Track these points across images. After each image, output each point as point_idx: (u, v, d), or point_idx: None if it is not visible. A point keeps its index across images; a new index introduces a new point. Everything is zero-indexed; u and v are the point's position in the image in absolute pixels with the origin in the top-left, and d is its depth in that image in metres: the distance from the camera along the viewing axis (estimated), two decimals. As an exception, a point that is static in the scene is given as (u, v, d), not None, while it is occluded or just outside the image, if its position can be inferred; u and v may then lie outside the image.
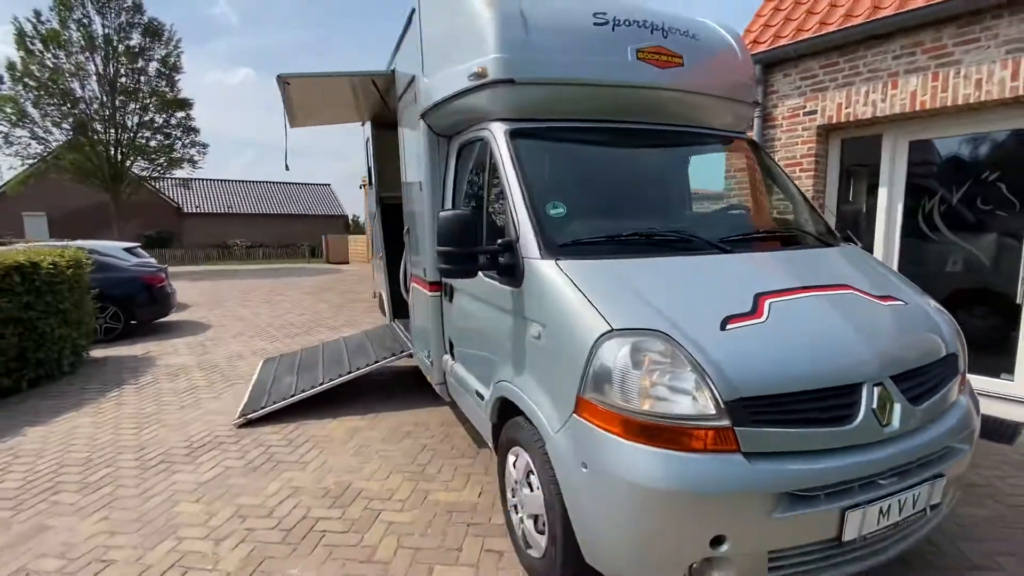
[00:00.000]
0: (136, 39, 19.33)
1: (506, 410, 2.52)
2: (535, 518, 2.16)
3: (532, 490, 2.16)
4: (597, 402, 1.75)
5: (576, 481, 1.82)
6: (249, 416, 4.09)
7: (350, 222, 39.76)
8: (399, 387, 4.93)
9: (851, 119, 4.64)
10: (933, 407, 1.92)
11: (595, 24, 2.68)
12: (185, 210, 30.47)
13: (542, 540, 2.11)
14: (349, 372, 4.38)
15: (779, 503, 1.62)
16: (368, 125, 6.15)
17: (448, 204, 3.27)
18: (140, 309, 7.82)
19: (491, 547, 2.51)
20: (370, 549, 2.51)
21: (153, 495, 3.05)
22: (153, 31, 19.39)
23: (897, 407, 1.80)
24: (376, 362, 4.44)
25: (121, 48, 18.80)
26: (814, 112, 4.87)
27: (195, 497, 3.02)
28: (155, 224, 27.63)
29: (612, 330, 1.76)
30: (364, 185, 18.98)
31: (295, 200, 34.77)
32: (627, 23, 2.74)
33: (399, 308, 5.70)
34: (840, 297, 2.08)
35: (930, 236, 4.46)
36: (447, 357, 3.46)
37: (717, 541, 1.60)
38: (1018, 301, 3.91)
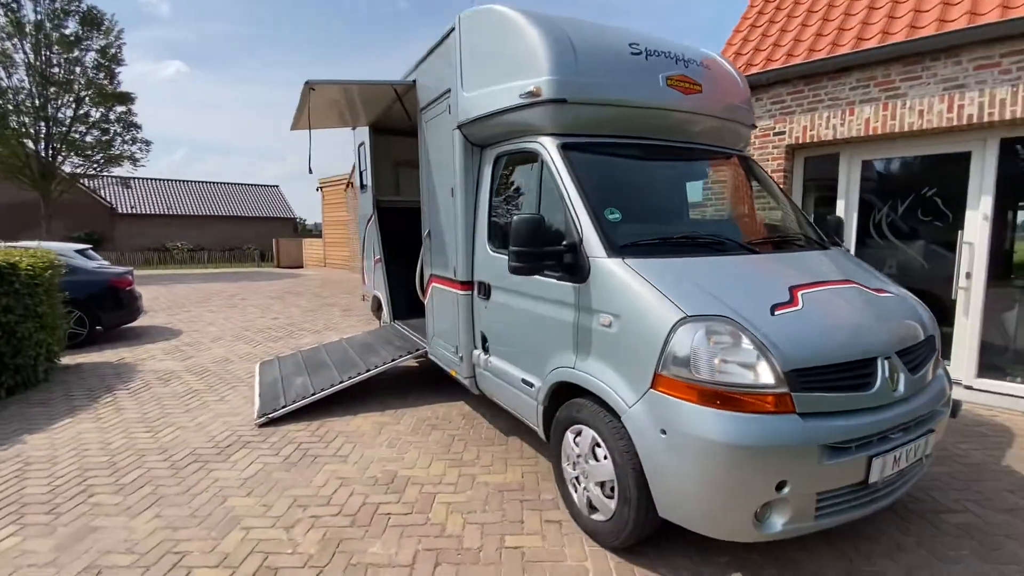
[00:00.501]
0: (72, 27, 18.02)
1: (560, 394, 2.82)
2: (602, 484, 2.46)
3: (599, 460, 2.47)
4: (675, 377, 2.09)
5: (655, 445, 2.14)
6: (271, 415, 4.13)
7: (299, 225, 38.54)
8: (409, 385, 5.08)
9: (814, 140, 5.30)
10: (924, 377, 2.40)
11: (631, 53, 3.06)
12: (120, 211, 28.45)
13: (611, 503, 2.42)
14: (368, 370, 4.50)
15: (824, 453, 2.01)
16: (365, 131, 6.26)
17: (483, 208, 3.53)
18: (107, 314, 7.43)
19: (549, 518, 2.78)
20: (439, 526, 2.71)
21: (199, 492, 3.08)
22: (92, 20, 18.15)
23: (902, 376, 2.26)
24: (392, 360, 4.59)
25: (55, 36, 17.45)
26: (783, 133, 5.51)
27: (245, 492, 3.09)
28: (85, 225, 25.62)
29: (686, 316, 2.10)
30: (348, 187, 18.62)
31: (241, 202, 33.30)
32: (656, 54, 3.14)
33: (399, 309, 5.86)
34: (848, 290, 2.54)
35: (879, 242, 5.17)
36: (478, 352, 3.70)
37: (780, 486, 1.97)
38: (953, 298, 4.63)
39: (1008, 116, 4.18)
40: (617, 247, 2.47)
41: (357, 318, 9.14)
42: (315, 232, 45.17)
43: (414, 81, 4.38)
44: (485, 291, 3.53)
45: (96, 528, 2.73)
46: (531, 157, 3.08)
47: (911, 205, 4.99)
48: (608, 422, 2.40)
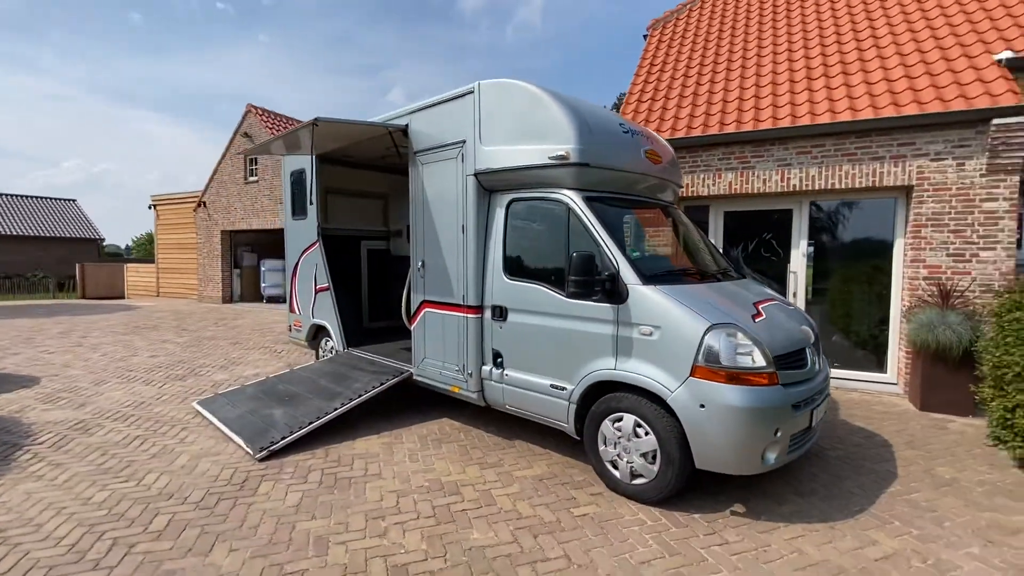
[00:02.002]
0: None
1: (590, 394, 3.58)
2: (646, 455, 3.28)
3: (642, 437, 3.28)
4: (708, 366, 3.03)
5: (696, 415, 3.05)
6: (272, 448, 4.04)
7: (101, 247, 32.19)
8: (379, 409, 5.25)
9: (693, 195, 7.00)
10: (821, 361, 3.76)
11: (623, 131, 4.08)
12: None
13: (654, 467, 3.24)
14: (360, 396, 4.64)
15: (795, 409, 3.14)
16: (306, 158, 6.27)
17: (496, 244, 4.17)
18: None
19: (592, 492, 3.48)
20: (513, 512, 3.22)
21: (256, 524, 3.07)
22: None
23: (815, 359, 3.55)
24: (382, 384, 4.80)
25: None
26: (671, 187, 7.14)
27: (307, 516, 3.16)
28: None
29: (712, 324, 3.08)
30: (200, 207, 16.46)
31: (24, 218, 26.68)
32: (635, 133, 4.21)
33: (351, 337, 5.99)
34: (776, 304, 3.82)
35: (738, 272, 7.03)
36: (488, 367, 4.25)
37: (775, 432, 3.02)
38: (787, 311, 6.58)
39: (815, 187, 6.26)
40: (647, 276, 3.38)
41: (261, 351, 8.55)
42: (128, 256, 38.10)
43: (407, 125, 4.81)
44: (500, 314, 4.13)
45: (175, 572, 2.62)
46: (554, 206, 3.85)
47: (757, 245, 6.93)
48: (650, 406, 3.24)
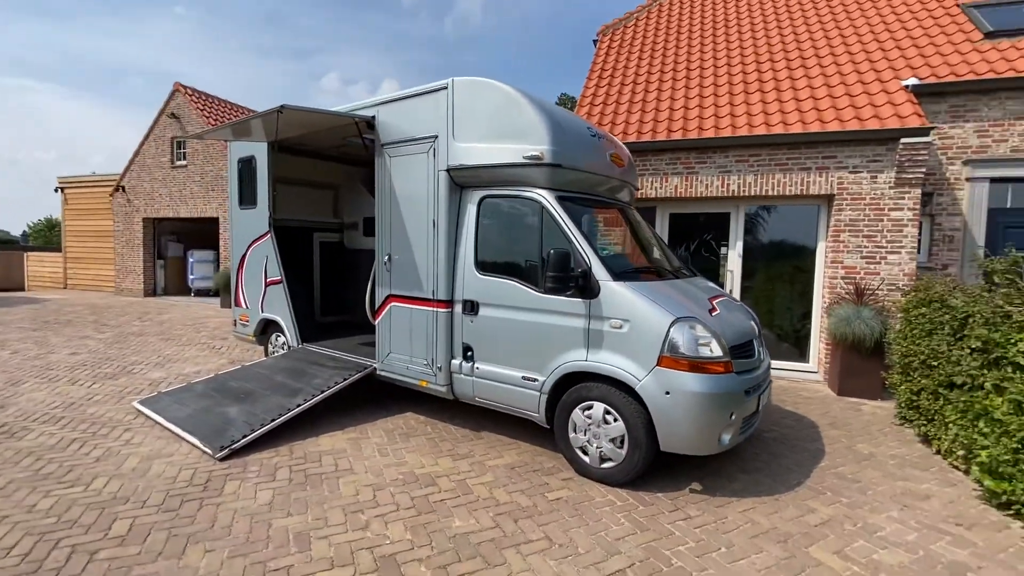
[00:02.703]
0: None
1: (560, 385, 3.76)
2: (614, 440, 3.50)
3: (611, 423, 3.50)
4: (673, 356, 3.29)
5: (662, 401, 3.30)
6: (233, 447, 3.89)
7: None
8: (345, 403, 5.16)
9: (641, 196, 7.39)
10: (764, 352, 4.15)
11: (590, 135, 4.28)
12: None
13: (622, 451, 3.47)
14: (323, 391, 4.55)
15: (746, 394, 3.47)
16: (255, 145, 6.01)
17: (468, 240, 4.24)
18: None
19: (563, 477, 3.66)
20: (491, 499, 3.33)
21: (228, 523, 2.98)
22: None
23: (760, 350, 3.93)
24: (345, 380, 4.73)
25: None
26: (622, 188, 7.49)
27: (283, 513, 3.11)
28: None
29: (676, 319, 3.34)
30: (118, 192, 15.07)
31: None
32: (600, 136, 4.43)
33: (306, 332, 5.84)
34: (726, 300, 4.17)
35: (682, 270, 7.51)
36: (458, 361, 4.33)
37: (731, 415, 3.34)
38: (726, 306, 7.12)
39: (751, 193, 6.81)
40: (615, 273, 3.59)
41: (198, 348, 8.05)
42: (24, 244, 34.31)
43: (373, 117, 4.74)
44: (472, 308, 4.21)
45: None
46: (527, 204, 3.98)
47: (699, 245, 7.44)
48: (619, 395, 3.47)
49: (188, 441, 4.10)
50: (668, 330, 3.32)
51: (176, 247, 15.78)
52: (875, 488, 3.62)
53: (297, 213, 6.69)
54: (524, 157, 3.87)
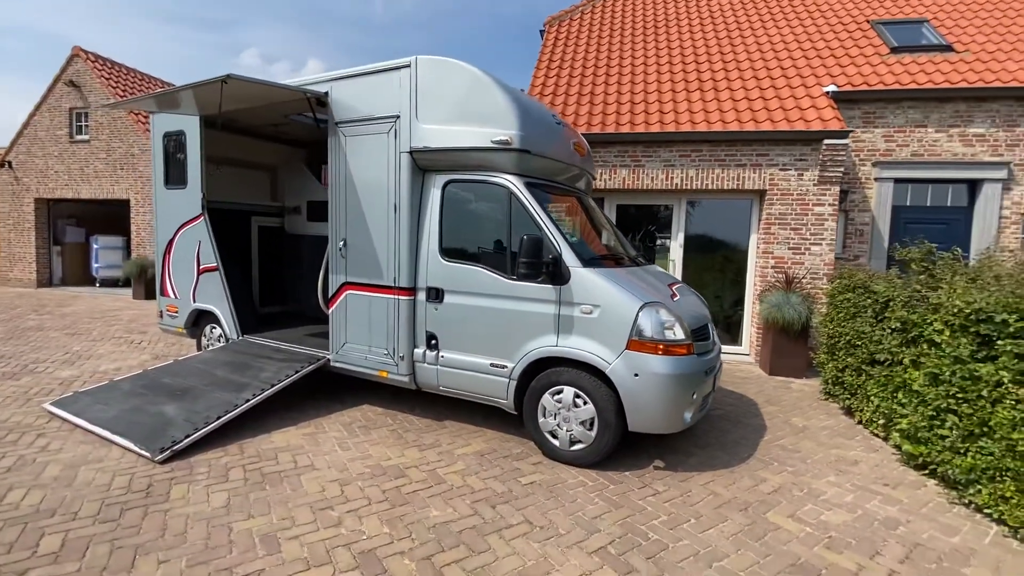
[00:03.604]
0: None
1: (530, 370, 3.78)
2: (584, 423, 3.57)
3: (581, 406, 3.57)
4: (641, 340, 3.41)
5: (631, 384, 3.41)
6: (175, 448, 3.55)
7: None
8: (292, 397, 4.87)
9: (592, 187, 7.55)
10: (715, 335, 4.41)
11: (555, 123, 4.30)
12: None
13: (592, 433, 3.55)
14: (273, 386, 4.28)
15: (706, 374, 3.67)
16: (184, 119, 5.48)
17: (432, 226, 4.14)
18: None
19: (533, 462, 3.69)
20: (465, 487, 3.29)
21: (181, 531, 2.72)
22: None
23: (714, 333, 4.17)
24: (297, 373, 4.48)
25: None
26: (572, 179, 7.61)
27: (243, 515, 2.89)
28: None
29: (644, 304, 3.46)
30: (4, 167, 13.11)
31: None
32: (563, 125, 4.47)
33: (247, 323, 5.47)
34: (682, 287, 4.38)
35: (628, 259, 7.78)
36: (421, 350, 4.22)
37: (694, 394, 3.52)
38: (669, 294, 7.47)
39: (693, 186, 7.18)
40: (584, 260, 3.65)
41: (112, 343, 7.27)
42: None
43: (326, 93, 4.46)
44: (436, 296, 4.12)
45: (72, 599, 2.24)
46: (494, 189, 3.93)
47: (644, 234, 7.74)
48: (589, 378, 3.54)
49: (119, 444, 3.70)
50: (637, 315, 3.42)
51: (76, 232, 14.09)
52: (813, 457, 3.97)
53: (233, 195, 6.19)
54: (492, 141, 3.82)
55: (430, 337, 4.19)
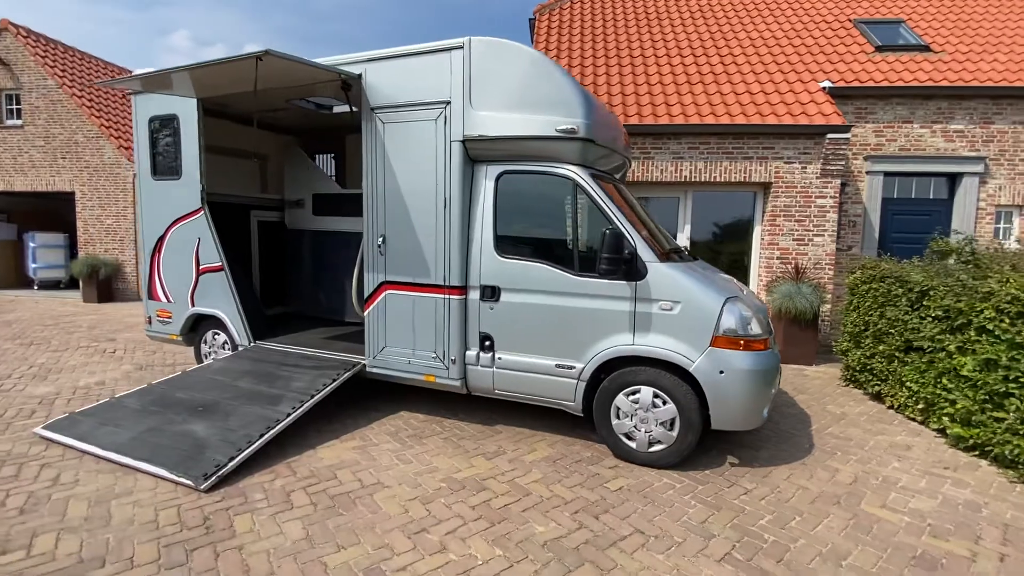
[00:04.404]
0: None
1: (601, 370, 3.63)
2: (665, 423, 3.46)
3: (661, 406, 3.45)
4: (725, 336, 3.32)
5: (716, 381, 3.32)
6: (220, 473, 3.15)
7: None
8: (323, 406, 4.49)
9: (599, 179, 7.45)
10: None
11: (608, 110, 4.12)
12: None
13: (673, 433, 3.45)
14: (312, 396, 3.91)
15: (778, 369, 3.64)
16: (178, 102, 4.91)
17: (486, 220, 3.89)
18: None
19: (607, 466, 3.55)
20: (555, 498, 3.09)
21: (270, 573, 2.39)
22: None
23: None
24: (334, 381, 4.12)
25: None
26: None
27: (332, 548, 2.58)
28: None
29: (727, 298, 3.37)
30: None
31: None
32: (612, 113, 4.30)
33: (258, 327, 5.03)
34: (734, 281, 4.35)
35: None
36: (474, 352, 3.98)
37: (771, 389, 3.48)
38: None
39: (701, 179, 7.22)
40: (659, 255, 3.52)
41: (81, 353, 6.50)
42: None
43: (359, 75, 4.08)
44: (492, 295, 3.88)
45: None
46: (557, 181, 3.73)
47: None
48: (669, 377, 3.43)
49: (147, 472, 3.24)
50: (721, 310, 3.34)
51: (7, 229, 12.57)
52: (867, 444, 4.06)
53: (230, 187, 5.64)
54: (557, 130, 3.60)
55: (484, 338, 3.95)
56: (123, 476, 3.24)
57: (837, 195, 7.07)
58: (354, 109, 4.25)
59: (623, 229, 3.49)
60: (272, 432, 3.53)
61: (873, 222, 7.83)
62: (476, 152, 3.87)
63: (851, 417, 4.67)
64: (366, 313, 4.33)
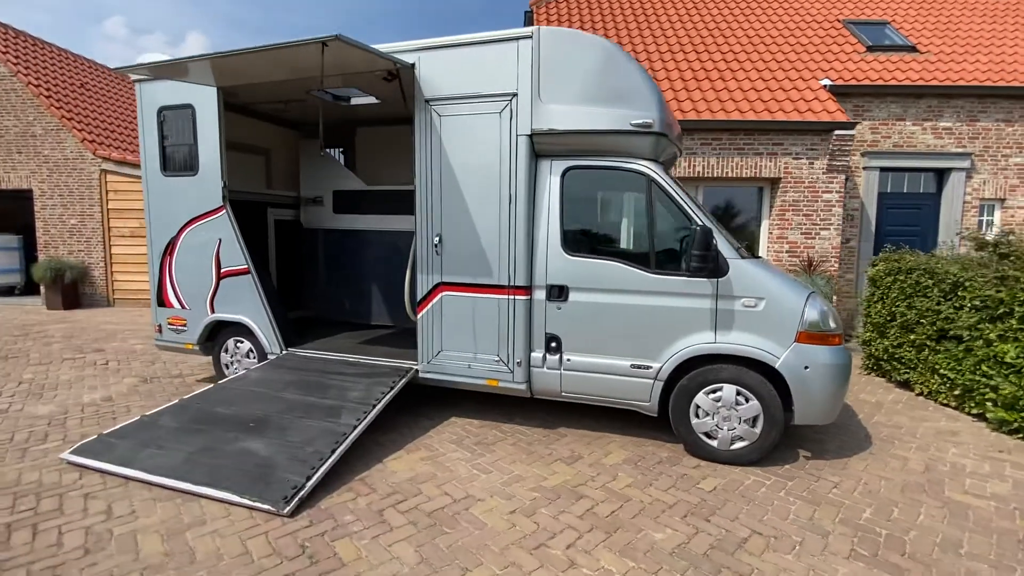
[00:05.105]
0: None
1: (680, 369, 3.58)
2: (748, 420, 3.44)
3: (745, 403, 3.44)
4: (808, 331, 3.34)
5: (801, 376, 3.33)
6: (300, 495, 2.90)
7: None
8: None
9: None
10: None
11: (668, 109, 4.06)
12: None
13: (756, 430, 3.44)
14: (373, 405, 3.68)
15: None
16: (194, 91, 4.52)
17: (551, 217, 3.76)
18: None
19: (690, 464, 3.51)
20: (658, 502, 3.02)
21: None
22: None
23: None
24: (392, 388, 3.90)
25: None
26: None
27: (458, 570, 2.41)
28: None
29: (809, 294, 3.39)
30: None
31: None
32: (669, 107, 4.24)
33: (289, 334, 4.74)
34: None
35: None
36: (538, 354, 3.85)
37: (848, 382, 3.53)
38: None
39: (713, 174, 7.30)
40: (736, 251, 3.50)
41: (73, 365, 5.94)
42: None
43: (413, 65, 3.85)
44: (559, 294, 3.76)
45: None
46: (628, 176, 3.64)
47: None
48: (752, 375, 3.42)
49: (212, 498, 2.95)
50: (804, 306, 3.35)
51: (-52, 231, 11.36)
52: (916, 431, 4.20)
53: (244, 184, 5.26)
54: (632, 124, 3.52)
55: (550, 339, 3.83)
56: (185, 504, 2.94)
57: (842, 190, 7.31)
58: (342, 101, 4.04)
59: (711, 226, 3.44)
60: (343, 447, 3.29)
61: (870, 215, 8.16)
62: (542, 147, 3.73)
63: (887, 405, 4.83)
64: (419, 316, 4.12)
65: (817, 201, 7.34)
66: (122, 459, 3.31)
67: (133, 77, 4.79)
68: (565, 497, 3.07)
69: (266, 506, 2.84)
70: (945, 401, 4.77)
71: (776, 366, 3.37)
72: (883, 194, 8.18)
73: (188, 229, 4.78)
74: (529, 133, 3.66)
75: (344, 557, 2.49)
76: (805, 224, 7.39)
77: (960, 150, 8.00)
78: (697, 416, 3.58)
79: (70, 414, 4.39)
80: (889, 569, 2.46)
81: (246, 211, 5.19)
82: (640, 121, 3.51)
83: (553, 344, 3.83)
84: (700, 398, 3.55)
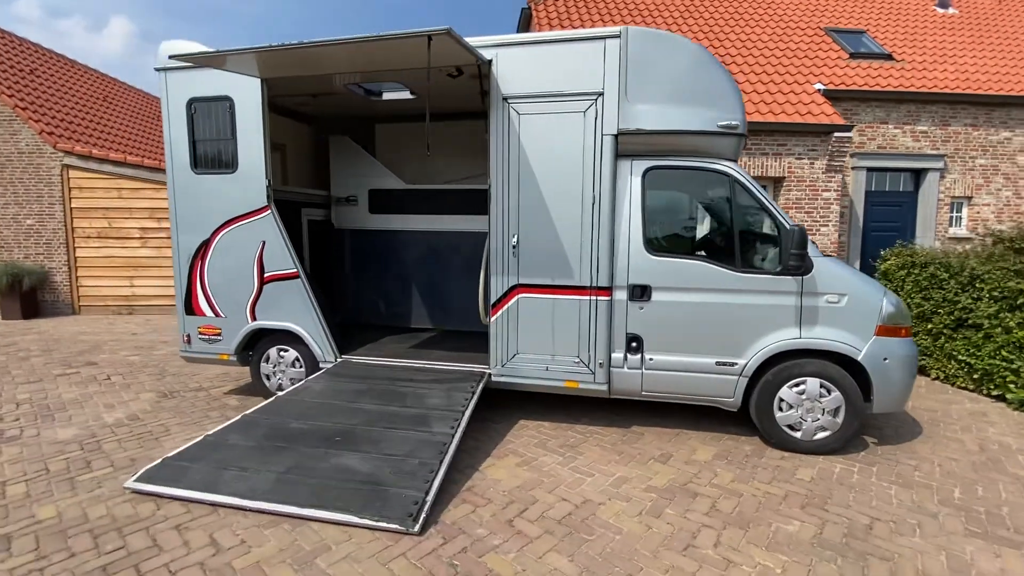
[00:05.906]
0: None
1: (764, 364, 3.69)
2: (831, 411, 3.60)
3: (829, 395, 3.59)
4: (886, 325, 3.53)
5: (881, 367, 3.52)
6: (424, 512, 2.77)
7: None
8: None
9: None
10: None
11: (736, 107, 4.16)
12: None
13: (838, 420, 3.60)
14: (461, 412, 3.57)
15: (911, 354, 3.94)
16: (232, 81, 4.20)
17: (633, 217, 3.78)
18: None
19: (777, 456, 3.63)
20: (771, 496, 3.11)
21: None
22: None
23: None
24: (473, 393, 3.79)
25: None
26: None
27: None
28: None
29: (886, 290, 3.58)
30: None
31: None
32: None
33: (341, 340, 4.54)
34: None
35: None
36: (619, 355, 3.87)
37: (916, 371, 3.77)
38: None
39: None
40: (816, 249, 3.64)
41: (72, 382, 5.39)
42: None
43: (490, 61, 3.74)
44: (642, 294, 3.79)
45: None
46: (711, 177, 3.71)
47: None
48: (835, 368, 3.57)
49: (325, 521, 2.77)
50: (882, 301, 3.54)
51: None
52: (950, 415, 4.53)
53: (282, 182, 4.94)
54: (719, 125, 3.58)
55: (631, 339, 3.85)
56: (295, 529, 2.74)
57: (839, 188, 7.76)
58: (373, 96, 3.94)
59: (802, 225, 3.56)
60: (448, 457, 3.16)
61: (858, 212, 8.71)
62: (627, 147, 3.73)
63: (914, 391, 5.18)
64: (492, 320, 4.03)
65: (817, 199, 7.75)
66: (204, 484, 3.04)
67: (156, 66, 4.38)
68: (681, 496, 3.11)
69: (393, 525, 2.69)
70: (963, 384, 5.18)
71: (859, 359, 3.54)
72: (869, 192, 8.75)
73: (225, 231, 4.44)
74: (615, 133, 3.65)
75: (501, 573, 2.40)
76: (807, 221, 7.78)
77: (935, 152, 8.68)
78: (780, 409, 3.71)
79: (100, 437, 3.98)
80: (1007, 543, 2.65)
81: (281, 212, 4.89)
82: (726, 123, 3.58)
83: (634, 344, 3.85)
84: (784, 391, 3.68)
